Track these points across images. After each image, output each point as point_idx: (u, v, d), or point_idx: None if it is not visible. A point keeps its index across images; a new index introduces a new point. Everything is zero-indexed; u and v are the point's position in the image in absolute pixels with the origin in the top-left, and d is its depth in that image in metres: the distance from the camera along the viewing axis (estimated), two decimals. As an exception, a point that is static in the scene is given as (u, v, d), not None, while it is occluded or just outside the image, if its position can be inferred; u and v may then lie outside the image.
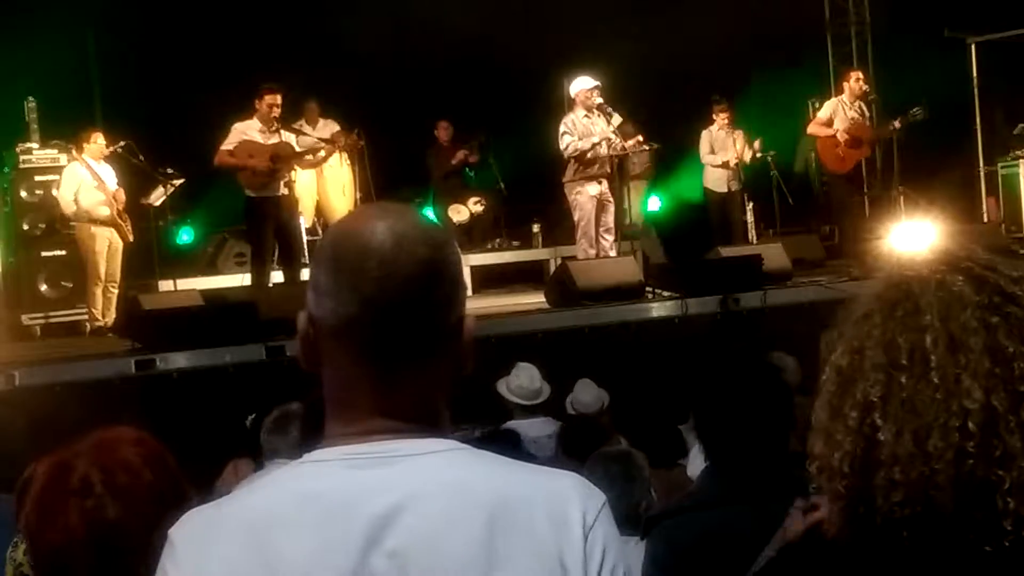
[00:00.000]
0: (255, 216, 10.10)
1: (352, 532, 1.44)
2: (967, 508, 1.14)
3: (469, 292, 10.31)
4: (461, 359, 1.57)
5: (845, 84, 12.66)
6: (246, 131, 10.07)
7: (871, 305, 1.24)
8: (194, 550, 1.47)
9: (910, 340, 1.19)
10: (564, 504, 1.49)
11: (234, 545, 1.45)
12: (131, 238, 10.68)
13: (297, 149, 10.46)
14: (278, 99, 10.14)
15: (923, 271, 1.23)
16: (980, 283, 1.20)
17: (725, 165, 13.07)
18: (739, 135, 13.21)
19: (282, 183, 10.20)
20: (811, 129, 12.73)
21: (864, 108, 12.54)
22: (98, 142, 10.64)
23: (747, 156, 13.19)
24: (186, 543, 1.48)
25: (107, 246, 10.54)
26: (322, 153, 11.04)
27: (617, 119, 11.25)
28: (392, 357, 1.51)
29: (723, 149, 13.15)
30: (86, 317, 10.76)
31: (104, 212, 10.55)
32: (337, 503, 1.45)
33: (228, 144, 10.03)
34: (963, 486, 1.14)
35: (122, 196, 10.62)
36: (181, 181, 11.20)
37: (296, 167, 10.55)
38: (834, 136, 12.22)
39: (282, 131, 10.26)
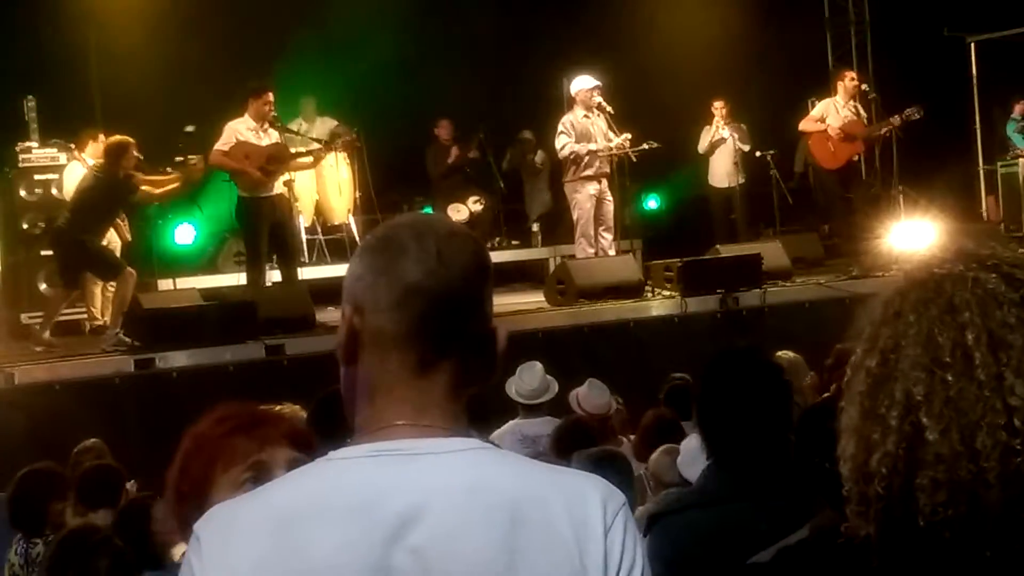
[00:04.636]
0: (249, 216, 10.09)
1: (376, 528, 1.45)
2: (1013, 507, 1.13)
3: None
4: (492, 366, 1.59)
5: (839, 84, 12.67)
6: (239, 130, 10.05)
7: (899, 304, 1.23)
8: (220, 544, 1.48)
9: (951, 338, 1.18)
10: (584, 504, 1.50)
11: (260, 538, 1.46)
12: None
13: (292, 151, 10.48)
14: (271, 97, 10.14)
15: (955, 269, 1.23)
16: (1011, 280, 1.20)
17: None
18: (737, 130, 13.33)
19: (278, 182, 10.21)
20: (803, 125, 12.75)
21: (859, 108, 12.58)
22: (100, 139, 10.66)
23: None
24: (211, 537, 1.49)
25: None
26: (310, 159, 11.00)
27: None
28: (432, 344, 1.52)
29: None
30: (85, 316, 10.76)
31: (102, 211, 10.56)
32: (361, 499, 1.47)
33: (223, 144, 10.01)
34: (1010, 484, 1.13)
35: None
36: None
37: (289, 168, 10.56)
38: (825, 131, 12.25)
39: (271, 130, 10.25)
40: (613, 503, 1.52)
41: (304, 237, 11.98)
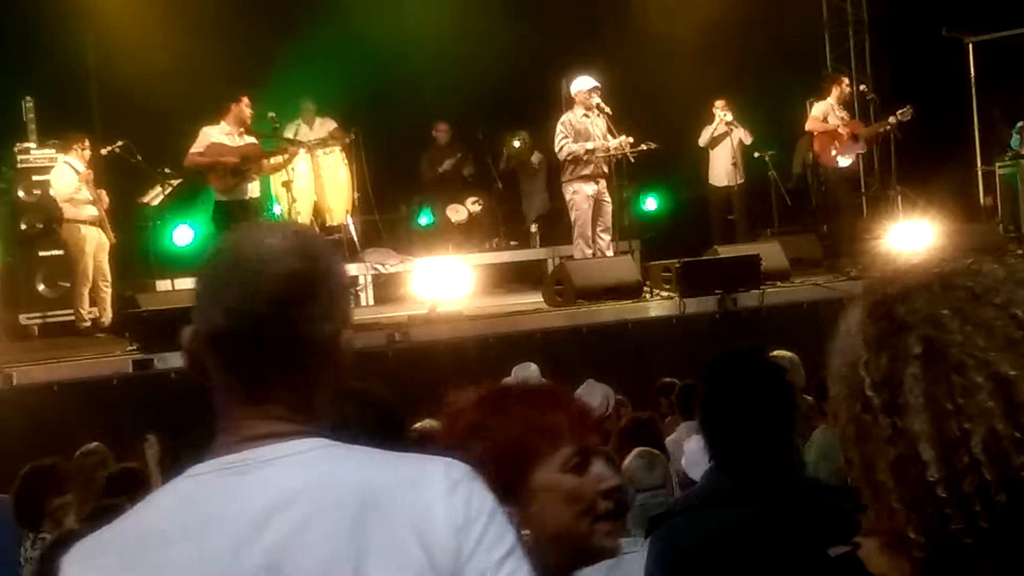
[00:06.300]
0: (225, 219, 10.19)
1: (225, 538, 1.48)
2: None
3: (468, 291, 10.35)
4: (335, 370, 1.60)
5: (835, 88, 12.68)
6: (212, 133, 10.29)
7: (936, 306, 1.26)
8: (77, 571, 1.53)
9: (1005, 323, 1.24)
10: (426, 481, 1.52)
11: (114, 565, 1.50)
12: (114, 240, 10.68)
13: (264, 150, 10.62)
14: (247, 100, 10.41)
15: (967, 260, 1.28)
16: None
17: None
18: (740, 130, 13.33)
19: (250, 186, 10.37)
20: (810, 125, 12.74)
21: (847, 115, 12.66)
22: (86, 145, 10.67)
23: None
24: (71, 565, 1.53)
25: (95, 245, 10.54)
26: (282, 158, 11.01)
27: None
28: (256, 366, 1.55)
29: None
30: (73, 318, 10.74)
31: (92, 212, 10.56)
32: (210, 512, 1.50)
33: (197, 147, 10.25)
34: None
35: (105, 198, 10.65)
36: (178, 181, 11.20)
37: (263, 169, 10.63)
38: (834, 130, 12.25)
39: (248, 136, 10.39)
40: (456, 472, 1.54)
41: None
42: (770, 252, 11.13)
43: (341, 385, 1.62)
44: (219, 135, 10.30)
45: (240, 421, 1.56)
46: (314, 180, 12.28)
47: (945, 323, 1.23)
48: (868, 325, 1.28)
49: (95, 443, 6.47)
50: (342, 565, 1.46)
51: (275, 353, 1.54)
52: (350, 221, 12.49)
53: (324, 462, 1.53)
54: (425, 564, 1.47)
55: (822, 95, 12.83)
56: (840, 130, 12.26)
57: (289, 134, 11.94)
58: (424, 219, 13.65)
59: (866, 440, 1.27)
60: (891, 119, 12.24)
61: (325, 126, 12.69)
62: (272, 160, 10.85)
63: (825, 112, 12.48)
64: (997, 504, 1.18)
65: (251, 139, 10.50)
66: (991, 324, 1.21)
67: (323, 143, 11.96)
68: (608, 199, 11.25)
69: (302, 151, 11.55)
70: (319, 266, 1.58)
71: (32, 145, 11.36)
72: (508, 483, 1.96)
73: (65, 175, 10.59)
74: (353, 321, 1.63)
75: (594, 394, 6.78)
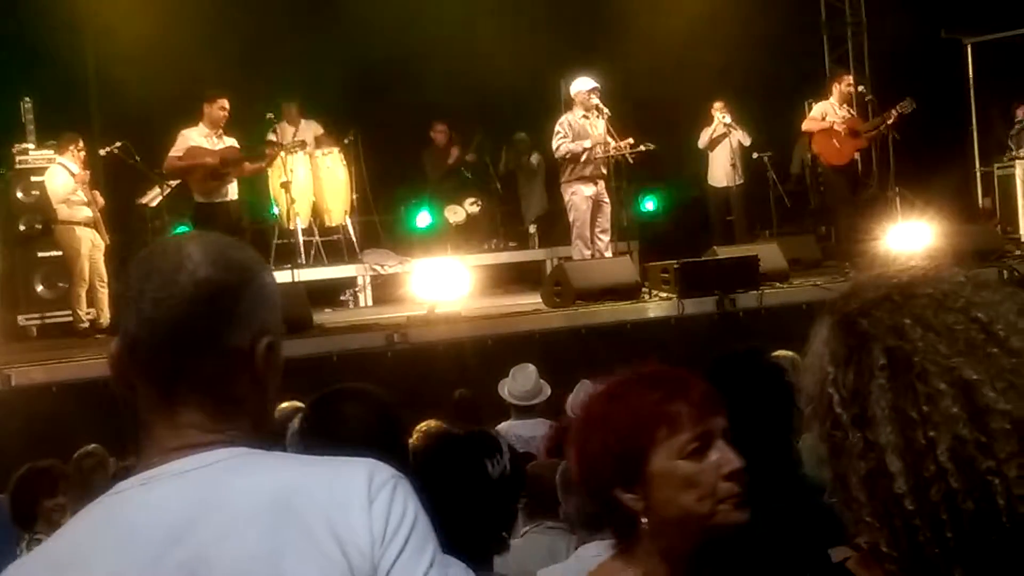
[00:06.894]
0: (206, 221, 10.18)
1: (141, 553, 1.47)
2: None
3: (467, 292, 10.34)
4: (258, 379, 1.58)
5: (835, 87, 12.64)
6: (191, 136, 10.29)
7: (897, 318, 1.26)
8: None
9: (966, 326, 1.24)
10: (346, 485, 1.51)
11: None
12: (108, 240, 10.67)
13: (244, 153, 10.64)
14: (225, 103, 10.37)
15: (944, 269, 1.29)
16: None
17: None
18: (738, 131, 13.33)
19: (231, 188, 10.37)
20: (806, 125, 12.73)
21: (852, 113, 12.60)
22: (81, 146, 10.66)
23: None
24: None
25: (90, 246, 10.53)
26: (263, 161, 11.02)
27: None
28: (171, 375, 1.54)
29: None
30: (72, 319, 10.73)
31: (87, 213, 10.55)
32: (129, 527, 1.49)
33: (177, 151, 10.25)
34: None
35: (100, 199, 10.65)
36: (177, 182, 11.19)
37: (244, 172, 10.63)
38: (831, 128, 12.23)
39: (226, 137, 10.42)
40: (379, 477, 1.52)
41: (301, 239, 11.99)
42: (768, 253, 11.14)
43: (271, 393, 1.61)
44: (198, 137, 10.28)
45: (160, 431, 1.55)
46: (313, 181, 12.28)
47: (907, 332, 1.22)
48: (833, 342, 1.29)
49: (94, 445, 6.46)
50: (260, 571, 1.46)
51: (188, 361, 1.54)
52: (349, 222, 12.50)
53: (241, 470, 1.52)
54: (344, 567, 1.46)
55: (823, 95, 12.80)
56: (837, 127, 12.23)
57: (274, 136, 11.97)
58: (424, 220, 13.64)
59: (839, 456, 1.27)
60: (892, 111, 12.21)
61: (310, 128, 12.69)
62: (253, 163, 10.83)
63: (823, 112, 12.47)
64: (964, 512, 1.18)
65: (231, 140, 10.46)
66: (952, 329, 1.21)
67: (302, 145, 11.95)
68: (607, 200, 11.25)
69: (287, 153, 11.52)
70: (237, 275, 1.57)
71: (31, 146, 11.36)
72: (628, 470, 2.00)
73: (60, 176, 10.58)
74: (278, 330, 1.60)
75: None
